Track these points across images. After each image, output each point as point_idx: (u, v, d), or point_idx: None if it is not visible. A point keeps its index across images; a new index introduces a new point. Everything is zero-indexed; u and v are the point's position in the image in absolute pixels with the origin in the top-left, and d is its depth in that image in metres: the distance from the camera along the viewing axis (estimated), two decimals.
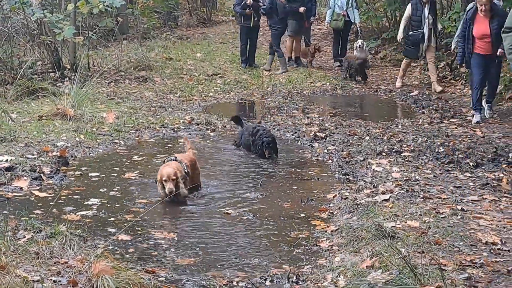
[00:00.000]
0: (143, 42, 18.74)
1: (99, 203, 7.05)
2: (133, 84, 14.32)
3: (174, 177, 7.01)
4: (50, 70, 13.78)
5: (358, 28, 17.97)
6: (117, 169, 8.44)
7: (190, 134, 10.62)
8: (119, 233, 5.98)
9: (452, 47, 12.71)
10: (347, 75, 16.32)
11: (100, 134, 9.97)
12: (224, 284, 5.16)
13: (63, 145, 9.06)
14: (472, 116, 11.60)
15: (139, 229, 6.39)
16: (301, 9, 16.83)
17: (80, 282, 4.63)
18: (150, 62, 15.99)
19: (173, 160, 7.43)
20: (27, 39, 14.22)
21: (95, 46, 16.87)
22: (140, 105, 12.43)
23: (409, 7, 14.84)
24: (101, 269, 4.66)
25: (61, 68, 13.70)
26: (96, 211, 6.80)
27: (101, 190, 7.55)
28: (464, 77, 14.79)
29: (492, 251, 5.24)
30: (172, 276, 5.30)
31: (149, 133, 10.53)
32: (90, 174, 8.12)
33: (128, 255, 5.59)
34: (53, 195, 7.08)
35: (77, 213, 6.65)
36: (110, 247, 5.65)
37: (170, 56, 17.46)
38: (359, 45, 17.28)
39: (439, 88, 14.41)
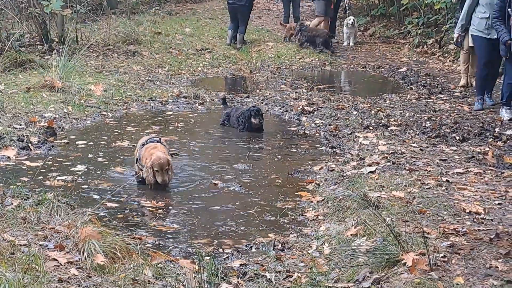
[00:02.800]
0: (132, 17, 18.60)
1: (85, 170, 7.13)
2: (121, 58, 14.25)
3: (167, 167, 6.57)
4: (38, 42, 13.69)
5: (347, 5, 17.94)
6: (106, 138, 8.54)
7: (178, 107, 10.63)
8: (105, 200, 6.00)
9: (455, 35, 11.13)
10: (300, 42, 16.56)
11: (88, 106, 9.97)
12: (210, 251, 5.20)
13: (51, 116, 9.05)
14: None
15: (126, 196, 6.45)
16: None
17: (67, 246, 4.67)
18: (138, 37, 15.88)
19: (157, 142, 6.90)
20: (15, 12, 14.10)
21: (84, 20, 16.76)
22: (128, 78, 12.40)
23: None
24: (88, 234, 4.69)
25: (49, 41, 13.61)
26: (83, 178, 6.87)
27: (89, 155, 7.72)
28: (453, 54, 14.84)
29: (475, 220, 5.30)
30: (159, 242, 5.35)
31: (137, 105, 10.53)
32: (77, 142, 8.21)
33: (115, 222, 5.63)
34: (41, 164, 7.10)
35: (62, 179, 6.72)
36: (100, 214, 5.72)
37: (159, 30, 17.36)
38: (351, 22, 17.29)
39: (462, 82, 12.31)
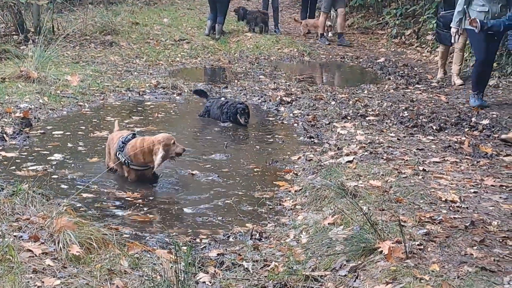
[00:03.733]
0: (109, 7, 18.49)
1: (62, 159, 7.09)
2: (98, 48, 14.15)
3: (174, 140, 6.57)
4: (14, 33, 13.57)
5: None
6: (83, 128, 8.50)
7: (156, 97, 10.58)
8: (81, 190, 5.96)
9: (453, 30, 10.16)
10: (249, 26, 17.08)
11: (64, 96, 9.87)
12: (187, 241, 5.19)
13: (26, 106, 8.96)
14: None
15: (102, 186, 6.41)
16: None
17: (42, 237, 4.62)
18: (116, 27, 15.78)
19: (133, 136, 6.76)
20: None
21: (60, 10, 16.62)
22: (105, 68, 12.30)
23: None
24: (63, 224, 4.64)
25: (24, 31, 13.48)
26: (59, 168, 6.83)
27: (69, 145, 7.70)
28: (431, 44, 14.91)
29: (451, 208, 5.33)
30: (135, 233, 5.32)
31: (114, 96, 10.45)
32: (54, 133, 8.15)
33: (91, 212, 5.60)
34: (16, 154, 7.04)
35: (37, 169, 6.69)
36: (76, 205, 5.68)
37: (137, 21, 17.25)
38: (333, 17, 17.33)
39: (459, 81, 11.57)
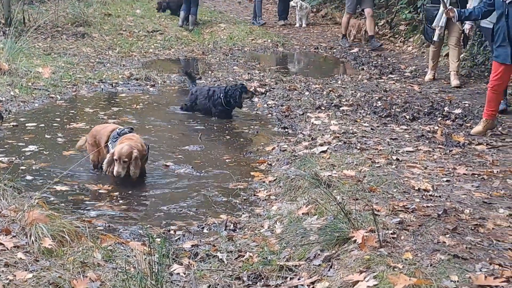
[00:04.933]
0: None
1: (37, 150, 7.03)
2: (70, 40, 14.01)
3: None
4: None
5: None
6: (58, 119, 8.44)
7: (129, 89, 10.51)
8: (53, 183, 5.91)
9: (468, 26, 9.78)
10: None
11: (36, 88, 9.77)
12: (161, 233, 5.16)
13: None
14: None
15: (76, 179, 6.36)
16: None
17: (14, 230, 4.56)
18: (88, 18, 15.64)
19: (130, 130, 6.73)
20: None
21: (31, 1, 16.42)
22: (77, 60, 12.19)
23: None
24: (35, 217, 4.59)
25: None
26: (32, 159, 6.78)
27: (46, 136, 7.66)
28: (404, 35, 14.98)
29: (424, 197, 5.36)
30: (109, 225, 5.29)
31: (87, 88, 10.37)
32: (27, 125, 8.08)
33: (63, 205, 5.55)
34: None
35: (9, 161, 6.64)
36: (49, 198, 5.63)
37: (109, 12, 17.11)
38: (298, 6, 17.30)
39: (455, 82, 10.58)
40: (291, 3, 17.34)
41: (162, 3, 17.77)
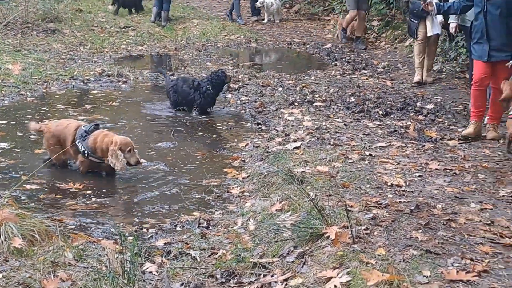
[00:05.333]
0: None
1: (8, 148, 6.94)
2: (41, 36, 13.85)
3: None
4: None
5: None
6: (30, 117, 8.31)
7: (101, 86, 10.42)
8: (23, 182, 5.83)
9: (453, 24, 9.19)
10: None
11: (5, 85, 9.66)
12: (133, 231, 5.12)
13: None
14: None
15: (48, 179, 6.28)
16: None
17: None
18: (59, 14, 15.46)
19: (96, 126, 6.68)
20: None
21: None
22: (48, 57, 12.06)
23: None
24: (4, 217, 4.52)
25: None
26: (3, 158, 6.69)
27: (18, 134, 7.56)
28: (376, 30, 15.02)
29: (396, 192, 5.38)
30: (80, 224, 5.23)
31: (58, 85, 10.26)
32: None
33: (34, 204, 5.48)
34: None
35: None
36: (19, 197, 5.56)
37: (80, 8, 16.94)
38: (264, 6, 17.26)
39: (429, 79, 10.61)
40: (257, 4, 17.31)
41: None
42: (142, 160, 6.69)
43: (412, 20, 10.43)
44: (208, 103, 9.01)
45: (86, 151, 6.38)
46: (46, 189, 6.05)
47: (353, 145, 6.89)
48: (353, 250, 4.18)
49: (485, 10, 7.28)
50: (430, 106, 8.86)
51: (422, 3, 8.36)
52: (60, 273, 4.10)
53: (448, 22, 9.42)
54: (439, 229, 4.56)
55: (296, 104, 9.09)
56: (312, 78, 11.21)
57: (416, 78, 10.56)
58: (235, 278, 4.35)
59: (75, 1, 17.73)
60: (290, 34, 16.40)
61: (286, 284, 4.11)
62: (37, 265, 4.18)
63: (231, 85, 10.26)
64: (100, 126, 6.78)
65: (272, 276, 4.26)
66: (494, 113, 7.51)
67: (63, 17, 15.49)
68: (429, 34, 10.16)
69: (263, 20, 17.74)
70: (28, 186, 5.93)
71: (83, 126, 6.58)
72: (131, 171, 6.59)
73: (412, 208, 4.92)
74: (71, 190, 6.06)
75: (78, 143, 6.42)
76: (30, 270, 4.11)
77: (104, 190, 6.12)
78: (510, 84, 7.00)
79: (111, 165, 6.32)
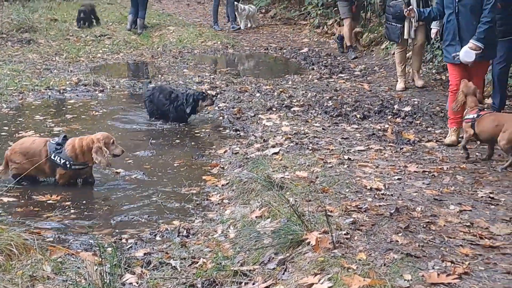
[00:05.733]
0: (26, 4, 18.01)
1: None
2: (15, 47, 13.77)
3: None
4: None
5: None
6: (6, 128, 8.27)
7: (77, 95, 10.34)
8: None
9: (434, 30, 9.28)
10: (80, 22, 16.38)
11: None
12: (112, 242, 5.07)
13: None
14: None
15: (24, 192, 6.21)
16: None
17: None
18: (33, 24, 15.41)
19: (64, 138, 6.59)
20: None
21: None
22: (23, 67, 11.97)
23: None
24: None
25: None
26: None
27: None
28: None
29: (376, 196, 5.38)
30: (58, 236, 5.17)
31: (33, 95, 10.18)
32: None
33: (11, 217, 5.41)
34: None
35: None
36: None
37: (55, 17, 16.87)
38: (242, 9, 17.30)
39: (420, 82, 10.46)
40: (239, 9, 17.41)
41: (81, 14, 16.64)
42: (119, 170, 6.66)
43: (394, 24, 10.22)
44: (181, 118, 8.94)
45: (67, 162, 6.30)
46: (22, 201, 5.97)
47: (332, 150, 6.89)
48: (334, 256, 4.17)
49: (456, 11, 7.23)
50: (407, 109, 8.90)
51: (404, 9, 8.32)
52: (39, 287, 4.05)
53: (430, 27, 9.44)
54: (419, 232, 4.57)
55: (274, 109, 9.08)
56: (290, 83, 11.21)
57: (400, 86, 10.40)
58: (216, 287, 4.32)
59: (49, 10, 17.68)
60: (266, 39, 16.43)
61: None
62: (16, 280, 4.12)
63: (209, 91, 10.22)
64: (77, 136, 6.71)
65: (253, 284, 4.23)
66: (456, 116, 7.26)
67: (38, 27, 15.42)
68: (405, 36, 10.12)
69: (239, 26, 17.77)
70: (5, 199, 5.85)
71: (51, 140, 6.49)
72: (110, 182, 6.54)
73: (392, 211, 4.93)
74: (48, 202, 5.99)
75: (54, 157, 6.33)
76: (8, 285, 4.05)
77: (82, 201, 6.06)
78: (465, 85, 6.93)
79: (97, 162, 6.28)
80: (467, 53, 7.06)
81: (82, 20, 16.36)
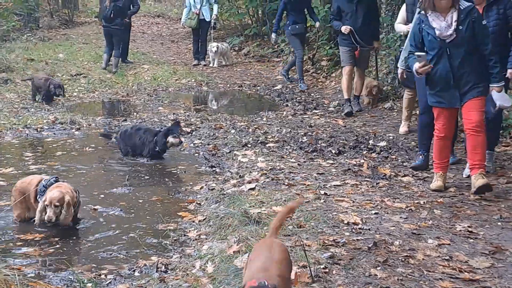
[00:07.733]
0: (3, 44, 18.03)
1: None
2: None
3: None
4: None
5: (212, 25, 18.08)
6: None
7: (54, 133, 10.34)
8: None
9: (400, 71, 8.40)
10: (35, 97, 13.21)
11: None
12: (92, 277, 5.06)
13: None
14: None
15: (4, 229, 6.19)
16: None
17: None
18: (10, 64, 15.44)
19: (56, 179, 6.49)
20: None
21: None
22: (1, 106, 11.99)
23: None
24: None
25: None
26: None
27: None
28: (326, 70, 15.30)
29: (353, 230, 5.45)
30: (39, 272, 5.15)
31: (11, 134, 10.17)
32: None
33: None
34: None
35: None
36: None
37: (32, 57, 16.88)
38: (214, 50, 17.48)
39: (402, 129, 10.03)
40: (210, 47, 17.61)
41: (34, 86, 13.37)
42: (97, 206, 6.65)
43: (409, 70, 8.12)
44: (154, 157, 8.99)
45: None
46: (3, 238, 5.94)
47: (308, 185, 6.97)
48: None
49: (448, 53, 6.61)
50: (382, 144, 9.02)
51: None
52: None
53: (397, 66, 9.00)
54: (398, 266, 4.63)
55: (249, 145, 9.15)
56: (264, 119, 11.32)
57: (403, 129, 9.96)
58: None
59: (26, 50, 17.68)
60: (240, 77, 16.59)
61: None
62: None
63: (184, 128, 10.29)
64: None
65: None
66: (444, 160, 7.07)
67: (15, 66, 15.46)
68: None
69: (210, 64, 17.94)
70: None
71: (44, 180, 6.41)
72: (88, 218, 6.53)
73: (370, 245, 4.99)
74: (29, 239, 5.96)
75: (38, 198, 6.28)
76: None
77: (61, 237, 6.03)
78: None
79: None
80: (503, 97, 6.69)
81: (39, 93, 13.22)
